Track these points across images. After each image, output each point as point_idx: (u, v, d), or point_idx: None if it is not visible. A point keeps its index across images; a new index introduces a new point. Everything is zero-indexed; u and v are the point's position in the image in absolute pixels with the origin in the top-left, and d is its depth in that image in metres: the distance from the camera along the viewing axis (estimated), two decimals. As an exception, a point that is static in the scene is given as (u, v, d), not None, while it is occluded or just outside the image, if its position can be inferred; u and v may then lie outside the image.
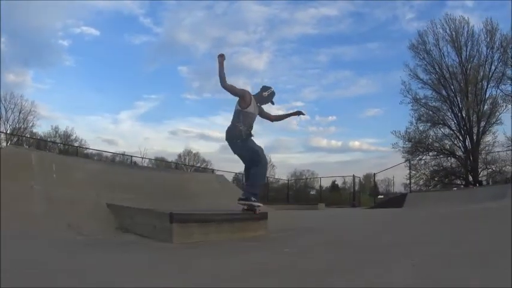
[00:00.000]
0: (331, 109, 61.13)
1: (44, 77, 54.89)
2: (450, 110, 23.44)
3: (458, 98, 23.00)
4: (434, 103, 23.93)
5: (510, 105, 21.73)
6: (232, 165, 50.71)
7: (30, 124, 29.55)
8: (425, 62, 23.59)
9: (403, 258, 2.59)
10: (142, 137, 54.89)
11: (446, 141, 23.88)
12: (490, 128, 22.55)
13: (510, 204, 6.13)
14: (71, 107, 56.26)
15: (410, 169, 21.25)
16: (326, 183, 30.04)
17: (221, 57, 4.53)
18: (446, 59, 23.15)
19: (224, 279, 2.12)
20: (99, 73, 50.60)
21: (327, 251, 3.20)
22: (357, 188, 24.60)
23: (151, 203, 4.49)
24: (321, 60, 49.44)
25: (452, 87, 23.01)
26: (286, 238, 4.27)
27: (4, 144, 22.43)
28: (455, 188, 20.98)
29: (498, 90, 22.44)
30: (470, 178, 21.77)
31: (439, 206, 10.16)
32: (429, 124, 23.91)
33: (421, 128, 24.08)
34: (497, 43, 21.84)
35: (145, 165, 21.73)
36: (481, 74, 22.26)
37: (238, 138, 4.50)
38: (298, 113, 5.22)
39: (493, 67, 22.11)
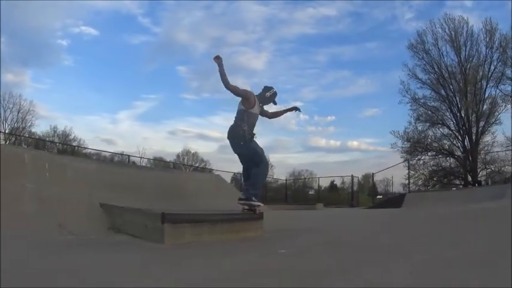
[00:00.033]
0: (330, 109, 61.26)
1: (43, 76, 55.01)
2: (449, 110, 23.46)
3: (457, 98, 23.01)
4: (433, 103, 23.98)
5: (509, 105, 21.75)
6: (231, 165, 50.74)
7: (29, 124, 29.54)
8: (424, 62, 23.64)
9: (402, 259, 2.58)
10: (141, 137, 54.68)
11: (445, 141, 23.93)
12: (489, 128, 22.61)
13: (510, 204, 6.08)
14: (69, 107, 56.18)
15: (409, 169, 21.20)
16: (324, 183, 30.08)
17: (218, 59, 4.47)
18: (445, 59, 23.21)
19: (215, 280, 2.07)
20: (98, 73, 50.77)
21: (325, 252, 3.16)
22: (355, 188, 24.59)
23: (146, 203, 4.42)
24: (320, 60, 49.65)
25: (451, 87, 23.01)
26: (282, 238, 4.22)
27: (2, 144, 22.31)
28: (454, 188, 20.94)
29: (497, 90, 22.50)
30: (469, 178, 21.76)
31: (438, 206, 10.11)
32: (428, 124, 23.94)
33: (420, 128, 24.15)
34: (496, 43, 21.88)
35: (144, 165, 21.64)
36: (480, 73, 22.26)
37: (241, 139, 4.49)
38: (295, 109, 5.25)
39: (492, 67, 22.15)
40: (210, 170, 23.79)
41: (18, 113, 28.77)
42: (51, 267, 2.31)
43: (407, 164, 21.60)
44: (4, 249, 2.73)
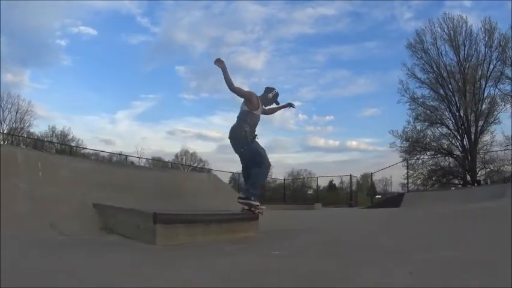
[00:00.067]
0: (329, 109, 61.35)
1: (42, 76, 55.02)
2: (448, 109, 23.45)
3: (456, 97, 23.01)
4: (432, 102, 24.00)
5: (509, 105, 21.74)
6: (230, 165, 50.73)
7: (27, 124, 29.44)
8: (423, 61, 23.65)
9: (401, 259, 2.58)
10: (139, 137, 54.62)
11: (444, 141, 23.94)
12: (488, 128, 22.59)
13: (510, 204, 6.04)
14: (68, 107, 56.11)
15: (407, 169, 21.21)
16: (323, 182, 30.05)
17: (221, 63, 4.43)
18: (444, 58, 23.20)
19: (208, 282, 2.01)
20: (97, 73, 50.76)
21: (323, 252, 3.13)
22: (354, 187, 24.59)
23: (142, 203, 4.36)
24: (319, 59, 49.57)
25: (450, 86, 23.00)
26: (280, 238, 4.17)
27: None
28: (453, 188, 20.90)
29: (496, 90, 22.49)
30: (468, 177, 21.73)
31: (437, 206, 10.08)
32: (427, 123, 23.95)
33: (418, 128, 24.16)
34: (495, 42, 21.85)
35: (141, 165, 21.57)
36: (479, 73, 22.25)
37: (243, 140, 4.49)
38: (289, 105, 5.31)
39: (491, 66, 22.16)
40: (209, 170, 23.70)
41: (16, 113, 28.73)
42: (37, 267, 2.26)
43: (406, 164, 21.62)
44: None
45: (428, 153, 24.12)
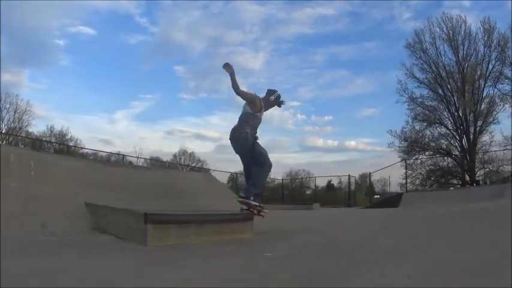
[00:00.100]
0: (328, 109, 61.30)
1: (40, 76, 54.66)
2: (447, 109, 23.40)
3: (455, 97, 22.94)
4: (430, 102, 23.93)
5: (508, 105, 21.70)
6: (228, 165, 50.73)
7: (26, 124, 29.29)
8: (422, 61, 23.57)
9: (400, 259, 2.57)
10: (138, 137, 54.41)
11: (442, 141, 23.86)
12: (487, 128, 22.53)
13: (510, 204, 5.99)
14: (67, 107, 55.69)
15: (406, 169, 21.17)
16: (322, 182, 29.95)
17: (230, 68, 4.46)
18: (443, 58, 23.13)
19: (198, 284, 1.96)
20: (95, 73, 50.44)
21: (322, 252, 3.11)
22: (352, 187, 24.47)
23: (137, 203, 4.29)
24: (318, 59, 49.38)
25: (448, 86, 22.94)
26: (279, 238, 4.16)
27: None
28: (452, 188, 20.88)
29: (495, 89, 22.42)
30: (467, 178, 21.69)
31: (436, 206, 10.05)
32: (425, 123, 23.88)
33: (417, 128, 24.08)
34: (494, 42, 21.79)
35: (139, 164, 21.49)
36: (478, 73, 22.19)
37: (243, 142, 4.51)
38: (281, 103, 5.19)
39: (490, 66, 22.09)
40: (207, 170, 23.61)
41: (15, 113, 28.56)
42: (23, 270, 2.19)
43: (404, 164, 21.57)
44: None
45: (427, 153, 24.07)
